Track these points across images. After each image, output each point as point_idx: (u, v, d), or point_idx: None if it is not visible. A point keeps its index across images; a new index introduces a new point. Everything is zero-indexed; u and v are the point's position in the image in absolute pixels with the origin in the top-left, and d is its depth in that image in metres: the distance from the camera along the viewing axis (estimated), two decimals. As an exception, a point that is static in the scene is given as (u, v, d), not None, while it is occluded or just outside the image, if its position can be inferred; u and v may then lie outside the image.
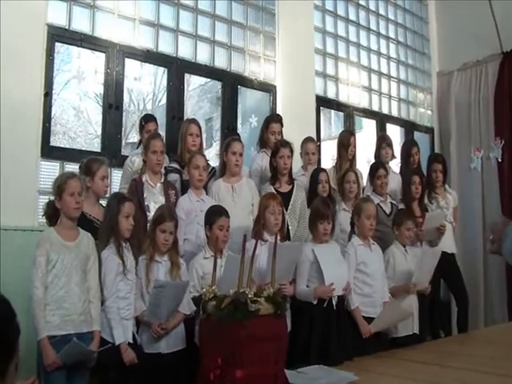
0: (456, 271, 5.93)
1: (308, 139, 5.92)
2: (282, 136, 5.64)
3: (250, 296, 3.09)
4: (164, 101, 8.54)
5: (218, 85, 7.51)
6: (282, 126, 5.70)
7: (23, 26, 4.87)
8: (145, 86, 13.20)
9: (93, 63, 6.20)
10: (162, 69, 7.27)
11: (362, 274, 4.55)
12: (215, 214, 4.17)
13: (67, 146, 6.45)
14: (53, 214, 3.56)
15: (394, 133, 8.44)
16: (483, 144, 8.41)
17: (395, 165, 6.71)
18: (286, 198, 4.90)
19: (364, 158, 7.90)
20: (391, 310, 4.59)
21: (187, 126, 5.22)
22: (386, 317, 4.52)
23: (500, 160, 8.14)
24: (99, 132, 5.96)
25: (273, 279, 3.34)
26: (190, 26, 6.30)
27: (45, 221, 3.76)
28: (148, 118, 5.53)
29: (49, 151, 5.08)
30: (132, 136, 12.32)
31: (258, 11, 7.02)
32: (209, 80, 8.52)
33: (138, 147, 5.50)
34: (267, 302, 3.13)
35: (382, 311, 4.52)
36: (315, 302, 4.20)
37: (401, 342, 4.68)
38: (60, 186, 3.51)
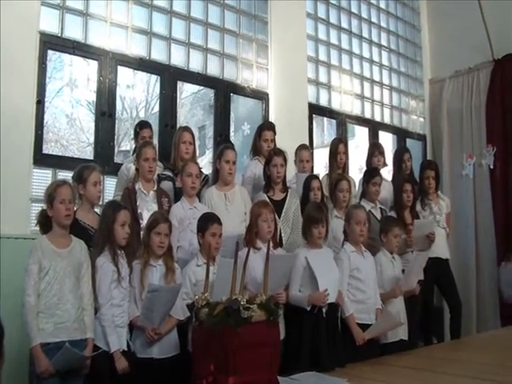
0: (449, 277, 5.94)
1: (302, 147, 5.92)
2: (275, 144, 5.64)
3: (242, 303, 3.09)
4: (157, 108, 8.55)
5: (210, 93, 7.53)
6: (274, 133, 5.71)
7: (16, 33, 4.86)
8: (137, 94, 13.20)
9: (85, 71, 6.21)
10: (154, 76, 7.28)
11: (355, 280, 4.56)
12: (207, 221, 4.18)
13: (60, 154, 6.43)
14: (45, 223, 3.56)
15: (387, 140, 8.47)
16: (475, 151, 8.44)
17: (387, 172, 6.73)
18: (279, 206, 4.92)
19: (356, 166, 7.93)
20: (385, 319, 4.59)
21: (180, 133, 5.23)
22: (380, 326, 4.53)
23: (492, 167, 8.17)
24: (91, 140, 5.95)
25: (266, 286, 3.35)
26: (182, 34, 6.31)
27: (37, 228, 3.77)
28: (143, 125, 5.51)
29: (41, 159, 5.07)
30: (124, 144, 12.30)
31: (250, 19, 7.04)
32: (201, 88, 8.52)
33: (133, 154, 5.48)
34: (260, 309, 3.14)
35: (376, 321, 4.52)
36: (309, 309, 4.20)
37: (392, 348, 4.68)
38: (51, 194, 3.52)
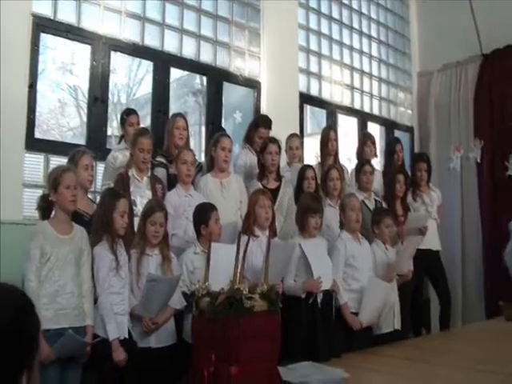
0: (440, 268, 5.98)
1: (292, 135, 5.97)
2: (269, 136, 5.62)
3: (244, 293, 3.08)
4: (139, 94, 8.46)
5: (193, 79, 7.50)
6: (270, 130, 5.69)
7: (8, 15, 4.73)
8: (118, 79, 13.00)
9: (77, 55, 6.10)
10: (137, 60, 7.19)
11: (350, 268, 4.61)
12: (208, 210, 4.16)
13: (52, 139, 6.35)
14: (46, 208, 3.51)
15: (375, 131, 8.46)
16: (463, 144, 8.50)
17: (376, 163, 6.74)
18: (273, 195, 4.89)
19: (345, 156, 7.92)
20: (374, 290, 4.57)
21: (174, 120, 5.20)
22: (370, 300, 4.52)
23: (479, 161, 8.25)
24: (72, 124, 5.79)
25: (267, 276, 3.34)
26: (175, 20, 6.25)
27: (30, 214, 3.71)
28: (129, 111, 5.42)
29: (33, 144, 4.98)
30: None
31: (243, 7, 6.99)
32: (184, 73, 8.39)
33: (119, 142, 5.40)
34: (262, 299, 3.13)
35: (364, 296, 4.53)
36: (303, 296, 4.22)
37: (384, 339, 4.71)
38: (56, 179, 3.47)
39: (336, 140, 6.05)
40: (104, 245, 3.65)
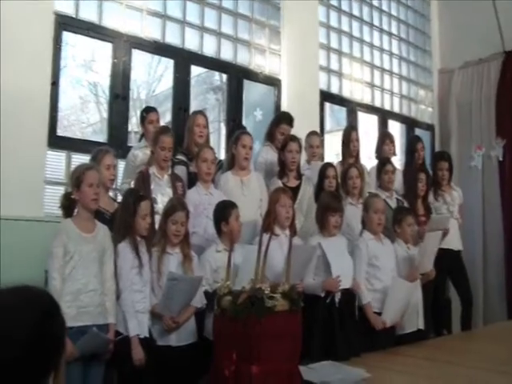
0: (462, 268, 5.93)
1: (312, 133, 5.92)
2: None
3: (266, 292, 3.08)
4: (158, 90, 8.47)
5: (212, 75, 7.50)
6: (292, 127, 5.68)
7: (30, 13, 4.77)
8: (138, 76, 13.04)
9: (98, 53, 6.13)
10: (156, 58, 7.21)
11: (373, 268, 4.58)
12: (228, 207, 4.16)
13: (74, 137, 6.36)
14: (69, 206, 3.53)
15: (395, 129, 8.43)
16: (484, 143, 8.42)
17: (396, 162, 6.69)
18: (293, 193, 4.87)
19: (365, 154, 7.88)
20: (397, 290, 4.55)
21: (194, 117, 5.20)
22: (393, 300, 4.49)
23: (501, 159, 8.16)
24: (91, 120, 5.81)
25: (288, 275, 3.33)
26: (196, 18, 6.25)
27: (52, 211, 3.73)
28: (149, 109, 5.45)
29: (55, 141, 5.00)
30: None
31: (263, 4, 6.97)
32: (203, 71, 8.39)
33: (140, 140, 5.42)
34: (283, 299, 3.12)
35: (388, 295, 4.49)
36: (323, 295, 4.20)
37: (406, 339, 4.67)
38: (79, 177, 3.49)
39: (358, 140, 6.03)
40: (127, 243, 3.67)
